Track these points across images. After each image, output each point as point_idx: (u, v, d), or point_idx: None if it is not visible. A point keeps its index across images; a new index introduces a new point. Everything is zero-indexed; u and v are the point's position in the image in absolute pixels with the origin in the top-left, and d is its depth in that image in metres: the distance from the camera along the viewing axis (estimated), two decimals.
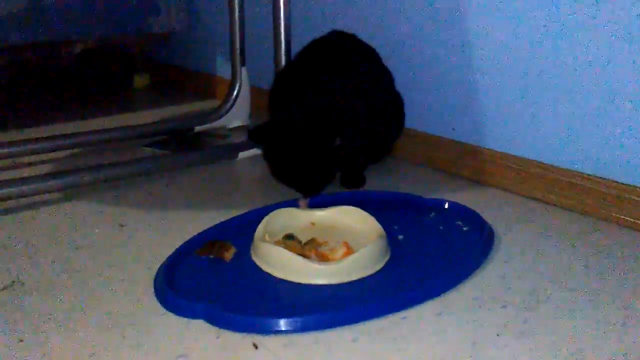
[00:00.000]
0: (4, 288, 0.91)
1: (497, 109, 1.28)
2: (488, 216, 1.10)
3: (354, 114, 1.23)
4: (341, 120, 1.20)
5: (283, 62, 1.52)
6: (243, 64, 1.75)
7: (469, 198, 1.22)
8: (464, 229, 1.08)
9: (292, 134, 1.17)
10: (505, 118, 1.27)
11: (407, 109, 1.41)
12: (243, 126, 1.77)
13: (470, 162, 1.34)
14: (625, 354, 0.74)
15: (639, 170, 1.06)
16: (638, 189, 1.07)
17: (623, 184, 1.09)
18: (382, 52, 1.37)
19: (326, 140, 1.18)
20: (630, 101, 1.06)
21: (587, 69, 1.11)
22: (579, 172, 1.15)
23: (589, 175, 1.13)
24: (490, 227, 1.06)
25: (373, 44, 1.36)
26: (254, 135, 1.25)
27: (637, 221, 1.07)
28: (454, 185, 1.32)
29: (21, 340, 0.78)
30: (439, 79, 1.39)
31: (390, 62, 1.38)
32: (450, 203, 1.16)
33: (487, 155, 1.30)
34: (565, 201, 1.17)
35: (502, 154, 1.28)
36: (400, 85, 1.39)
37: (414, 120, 1.44)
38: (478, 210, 1.12)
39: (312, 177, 1.19)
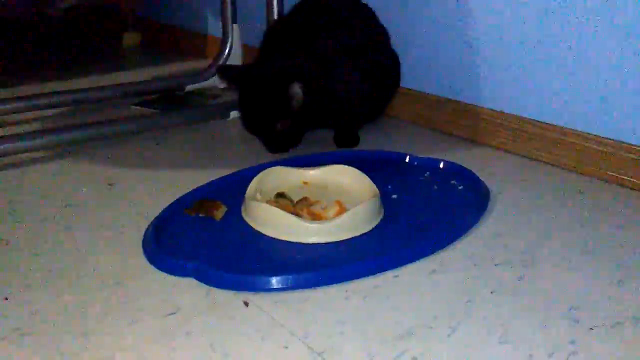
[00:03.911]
0: None
1: (494, 67, 1.25)
2: (483, 175, 1.09)
3: (329, 68, 1.20)
4: (313, 76, 1.17)
5: (275, 18, 1.48)
6: (234, 21, 1.71)
7: (464, 157, 1.20)
8: (459, 187, 1.07)
9: (256, 82, 1.16)
10: (502, 76, 1.24)
11: (403, 68, 1.38)
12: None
13: (466, 121, 1.32)
14: (621, 311, 0.73)
15: (633, 127, 1.04)
16: (632, 147, 1.05)
17: (618, 141, 1.07)
18: (378, 10, 1.34)
19: (284, 91, 1.14)
20: (628, 59, 1.03)
21: (585, 27, 1.08)
22: (574, 130, 1.13)
23: (584, 133, 1.11)
24: (486, 186, 1.05)
25: (368, 1, 1.33)
26: (223, 70, 1.29)
27: (633, 179, 1.05)
28: (450, 145, 1.30)
29: (6, 299, 0.76)
30: (435, 37, 1.35)
31: (385, 20, 1.35)
32: (445, 162, 1.14)
33: (483, 114, 1.28)
34: (560, 159, 1.15)
35: (498, 113, 1.25)
36: (395, 43, 1.36)
37: (409, 79, 1.41)
38: (473, 169, 1.10)
39: (271, 130, 1.16)
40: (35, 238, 0.92)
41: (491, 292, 0.77)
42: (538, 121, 1.18)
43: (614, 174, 1.08)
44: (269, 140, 1.19)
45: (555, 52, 1.13)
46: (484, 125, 1.28)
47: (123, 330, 0.70)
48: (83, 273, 0.82)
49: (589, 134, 1.11)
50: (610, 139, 1.08)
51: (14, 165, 1.20)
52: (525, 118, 1.21)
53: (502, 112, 1.25)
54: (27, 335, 0.69)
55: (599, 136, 1.09)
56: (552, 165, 1.16)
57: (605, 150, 1.08)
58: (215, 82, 1.72)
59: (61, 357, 0.66)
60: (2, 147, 1.17)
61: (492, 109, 1.27)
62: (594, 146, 1.10)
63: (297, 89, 1.12)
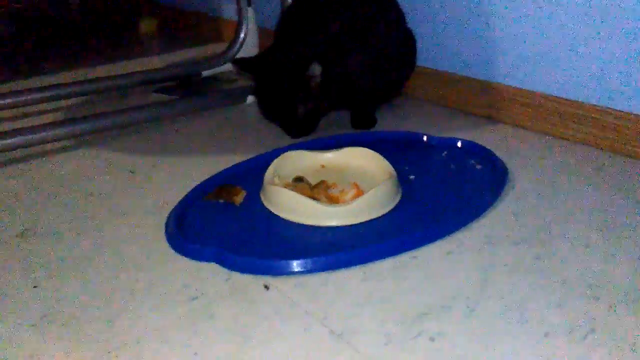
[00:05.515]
0: (17, 236, 0.92)
1: (511, 43, 1.24)
2: (501, 153, 1.08)
3: (342, 49, 1.20)
4: (325, 55, 1.17)
5: (290, 1, 1.48)
6: (249, 4, 1.70)
7: (482, 136, 1.19)
8: (477, 167, 1.06)
9: (274, 68, 1.17)
10: (520, 53, 1.23)
11: (419, 46, 1.37)
12: None
13: (484, 99, 1.31)
14: None
15: None
16: None
17: (638, 115, 1.05)
18: None
19: (303, 74, 1.16)
20: None
21: (602, 3, 1.06)
22: (593, 105, 1.11)
23: (603, 107, 1.10)
24: (504, 165, 1.04)
25: None
26: (238, 63, 1.29)
27: None
28: (467, 123, 1.29)
29: (35, 286, 0.79)
30: (453, 14, 1.34)
31: None
32: (463, 141, 1.14)
33: (500, 92, 1.27)
34: (579, 136, 1.14)
35: (516, 90, 1.24)
36: (412, 21, 1.35)
37: (426, 57, 1.40)
38: (491, 148, 1.10)
39: (293, 113, 1.18)
40: (60, 226, 0.94)
41: (509, 272, 0.77)
42: (556, 97, 1.17)
43: (634, 148, 1.06)
44: (290, 125, 1.20)
45: (572, 25, 1.12)
46: (502, 102, 1.27)
47: (147, 315, 0.72)
48: (107, 260, 0.85)
49: (608, 108, 1.09)
50: (630, 113, 1.06)
51: (37, 155, 1.22)
52: (543, 94, 1.19)
53: (519, 89, 1.24)
54: (54, 322, 0.72)
55: (619, 110, 1.08)
56: (571, 141, 1.15)
57: (625, 124, 1.07)
58: (232, 66, 1.73)
59: (87, 343, 0.68)
60: (24, 137, 1.20)
61: (509, 86, 1.26)
62: (614, 120, 1.09)
63: (315, 70, 1.14)
